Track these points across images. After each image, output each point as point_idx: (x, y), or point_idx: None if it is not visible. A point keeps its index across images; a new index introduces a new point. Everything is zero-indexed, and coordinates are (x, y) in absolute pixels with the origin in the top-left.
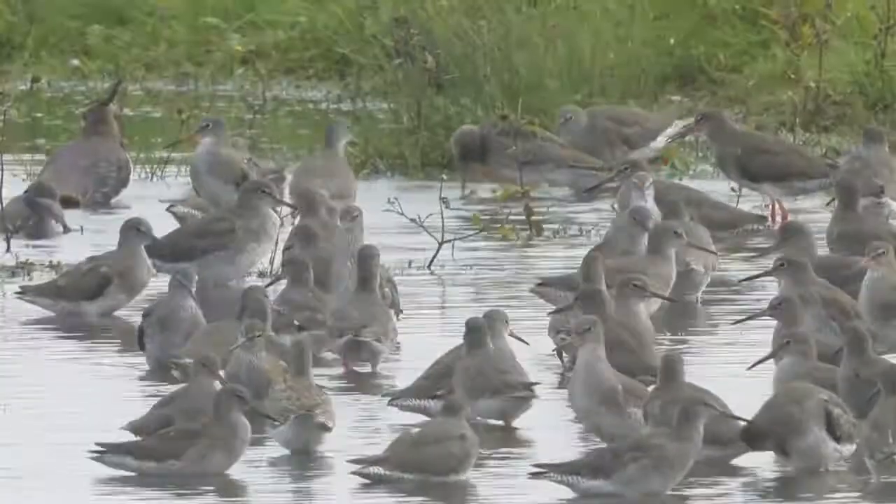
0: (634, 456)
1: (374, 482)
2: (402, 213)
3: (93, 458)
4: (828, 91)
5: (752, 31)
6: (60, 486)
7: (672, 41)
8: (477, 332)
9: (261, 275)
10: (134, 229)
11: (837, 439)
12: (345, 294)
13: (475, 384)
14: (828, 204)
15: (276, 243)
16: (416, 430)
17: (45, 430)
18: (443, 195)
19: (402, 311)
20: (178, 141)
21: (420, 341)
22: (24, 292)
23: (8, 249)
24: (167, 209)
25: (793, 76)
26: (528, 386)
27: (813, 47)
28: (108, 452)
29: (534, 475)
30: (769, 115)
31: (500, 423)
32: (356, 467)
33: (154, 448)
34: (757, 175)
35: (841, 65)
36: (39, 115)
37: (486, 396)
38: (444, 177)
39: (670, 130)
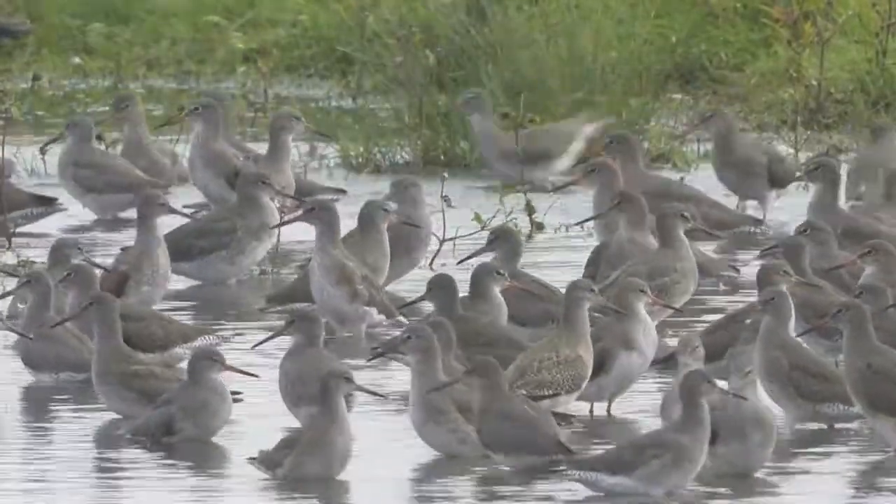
0: (656, 453)
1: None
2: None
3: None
4: (829, 89)
5: (753, 29)
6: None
7: (674, 39)
8: (307, 323)
9: (262, 273)
10: (154, 205)
11: None
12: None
13: (296, 391)
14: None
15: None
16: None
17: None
18: (444, 193)
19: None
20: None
21: None
22: None
23: (9, 248)
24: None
25: (794, 74)
26: None
27: (814, 45)
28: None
29: (552, 471)
30: (770, 114)
31: None
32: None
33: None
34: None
35: (842, 63)
36: (40, 113)
37: (306, 404)
38: (446, 175)
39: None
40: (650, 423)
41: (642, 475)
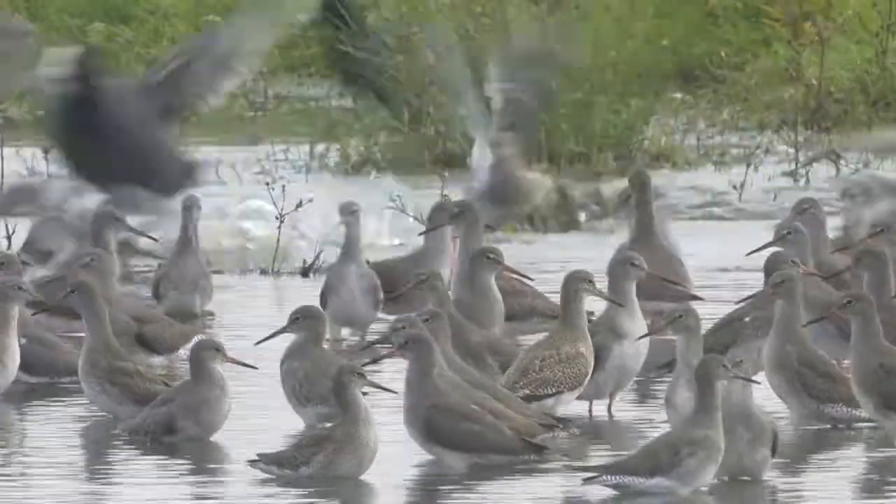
0: (691, 451)
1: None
2: (404, 211)
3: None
4: (829, 89)
5: (753, 28)
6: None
7: (673, 39)
8: (312, 321)
9: (262, 273)
10: (193, 208)
11: None
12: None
13: (303, 391)
14: None
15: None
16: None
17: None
18: (444, 193)
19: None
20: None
21: None
22: None
23: (9, 247)
24: None
25: (794, 74)
26: None
27: (814, 45)
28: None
29: (588, 480)
30: (771, 113)
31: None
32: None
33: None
34: None
35: (842, 62)
36: (41, 113)
37: (314, 404)
38: (446, 175)
39: None
40: (649, 423)
41: (680, 474)
